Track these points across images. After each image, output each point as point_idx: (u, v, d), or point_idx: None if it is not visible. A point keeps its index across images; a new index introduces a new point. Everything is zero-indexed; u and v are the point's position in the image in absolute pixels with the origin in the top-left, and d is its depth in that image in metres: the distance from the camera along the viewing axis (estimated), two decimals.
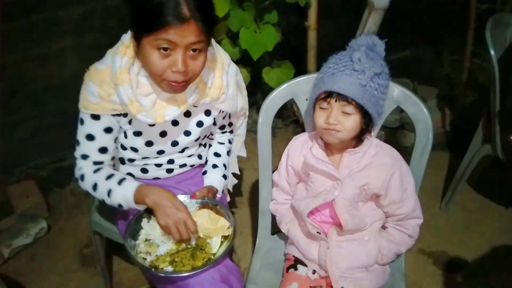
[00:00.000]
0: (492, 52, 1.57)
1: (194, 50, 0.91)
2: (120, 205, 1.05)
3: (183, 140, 1.14)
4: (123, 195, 1.03)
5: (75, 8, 2.04)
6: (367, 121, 0.99)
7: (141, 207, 1.05)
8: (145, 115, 1.00)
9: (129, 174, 1.17)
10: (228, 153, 1.31)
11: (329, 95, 0.97)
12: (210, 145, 1.29)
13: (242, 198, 2.09)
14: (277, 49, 2.11)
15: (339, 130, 0.97)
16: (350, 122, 0.97)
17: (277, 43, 2.08)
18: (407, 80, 2.74)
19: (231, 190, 1.45)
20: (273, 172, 1.21)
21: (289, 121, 2.61)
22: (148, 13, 0.87)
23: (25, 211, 1.96)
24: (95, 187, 1.05)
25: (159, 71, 0.92)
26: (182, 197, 1.12)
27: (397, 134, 2.47)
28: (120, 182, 1.04)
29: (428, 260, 1.75)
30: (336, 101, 0.96)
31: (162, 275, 0.96)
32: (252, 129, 2.31)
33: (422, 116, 1.10)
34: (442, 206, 2.00)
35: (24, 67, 2.02)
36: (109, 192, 1.03)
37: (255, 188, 2.07)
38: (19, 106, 2.07)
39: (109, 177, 1.05)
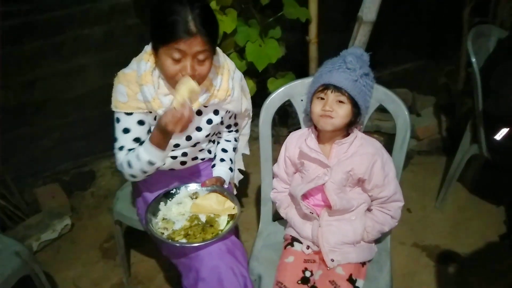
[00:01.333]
0: (473, 59, 1.73)
1: (200, 57, 1.11)
2: (150, 162, 1.16)
3: (195, 135, 1.32)
4: (145, 150, 1.16)
5: (98, 27, 2.27)
6: (356, 112, 1.17)
7: (163, 155, 1.16)
8: (164, 111, 1.18)
9: None
10: (234, 149, 1.48)
11: (326, 87, 1.16)
12: (218, 142, 1.47)
13: (249, 199, 2.25)
14: (281, 62, 2.30)
15: (333, 117, 1.15)
16: (343, 110, 1.15)
17: (281, 57, 2.27)
18: (406, 90, 2.90)
19: (237, 184, 1.62)
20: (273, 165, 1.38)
21: (294, 129, 2.78)
22: (163, 29, 1.08)
23: (52, 209, 2.15)
24: (129, 164, 1.19)
25: (172, 74, 1.12)
26: (194, 185, 1.31)
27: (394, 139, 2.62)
28: (140, 144, 1.20)
29: (422, 253, 1.88)
30: (332, 92, 1.15)
31: (177, 245, 1.13)
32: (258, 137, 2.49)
33: (401, 113, 1.26)
34: (436, 205, 2.13)
35: (51, 82, 2.24)
36: (138, 157, 1.17)
37: (258, 190, 2.23)
38: (45, 118, 2.29)
39: (134, 150, 1.21)
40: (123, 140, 1.23)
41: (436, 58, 3.40)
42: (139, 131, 1.23)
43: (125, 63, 1.29)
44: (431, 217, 2.07)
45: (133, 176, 1.22)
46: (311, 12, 2.21)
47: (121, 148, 1.24)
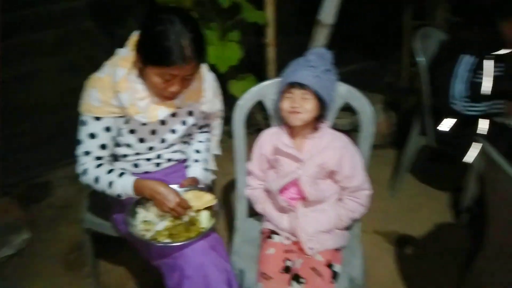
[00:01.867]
0: (419, 59, 1.91)
1: (189, 77, 1.16)
2: (119, 195, 1.21)
3: (169, 138, 1.33)
4: (123, 186, 1.20)
5: (50, 31, 2.18)
6: (321, 106, 1.25)
7: (137, 197, 1.22)
8: (141, 116, 1.19)
9: (122, 169, 1.34)
10: (207, 150, 1.51)
11: (292, 85, 1.23)
12: (191, 143, 1.48)
13: None
14: (241, 64, 2.36)
15: (301, 112, 1.22)
16: (309, 105, 1.23)
17: (241, 59, 2.33)
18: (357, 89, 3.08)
19: (210, 184, 1.64)
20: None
21: (253, 130, 2.85)
22: (158, 53, 1.09)
23: (7, 224, 2.02)
24: (97, 180, 1.21)
25: (159, 90, 1.16)
26: (171, 186, 1.31)
27: (350, 136, 2.78)
28: (120, 175, 1.21)
29: (382, 239, 2.02)
30: (297, 89, 1.23)
31: (161, 245, 1.14)
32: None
33: (365, 108, 1.37)
34: (391, 194, 2.30)
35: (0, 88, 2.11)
36: (110, 184, 1.20)
37: (225, 190, 2.26)
38: None
39: (110, 171, 1.22)
40: (89, 145, 1.23)
41: (380, 59, 3.65)
42: (105, 138, 1.24)
43: (80, 68, 1.27)
44: (386, 206, 2.23)
45: (90, 186, 1.24)
46: (268, 15, 2.30)
47: (87, 153, 1.23)
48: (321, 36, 1.92)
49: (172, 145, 1.37)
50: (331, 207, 1.29)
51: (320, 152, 1.27)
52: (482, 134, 1.79)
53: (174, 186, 1.30)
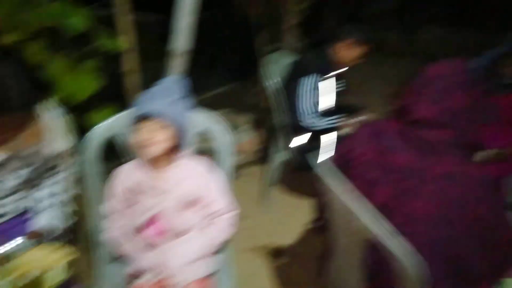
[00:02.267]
0: (267, 83, 2.09)
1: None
2: None
3: (10, 184, 1.18)
4: None
5: None
6: (176, 135, 1.23)
7: None
8: None
9: None
10: (62, 192, 1.36)
11: (142, 117, 1.18)
12: (41, 188, 1.33)
13: None
14: (101, 94, 2.22)
15: (153, 144, 1.18)
16: (162, 135, 1.19)
17: (102, 89, 2.19)
18: (225, 110, 3.20)
19: (70, 227, 1.49)
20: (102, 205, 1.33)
21: (117, 163, 2.70)
22: None
23: None
24: None
25: None
26: (16, 241, 1.16)
27: (212, 159, 2.86)
28: None
29: (257, 254, 2.11)
30: (148, 120, 1.18)
31: None
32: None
33: (221, 133, 1.42)
34: (261, 209, 2.42)
35: None
36: None
37: (85, 234, 2.09)
38: None
39: None
40: None
41: (245, 81, 3.87)
42: None
43: None
44: (258, 221, 2.33)
45: None
46: (127, 42, 2.22)
47: None
48: (177, 63, 1.94)
49: (15, 192, 1.21)
50: (197, 235, 1.29)
51: (181, 182, 1.26)
52: (325, 146, 2.02)
53: (18, 241, 1.15)
